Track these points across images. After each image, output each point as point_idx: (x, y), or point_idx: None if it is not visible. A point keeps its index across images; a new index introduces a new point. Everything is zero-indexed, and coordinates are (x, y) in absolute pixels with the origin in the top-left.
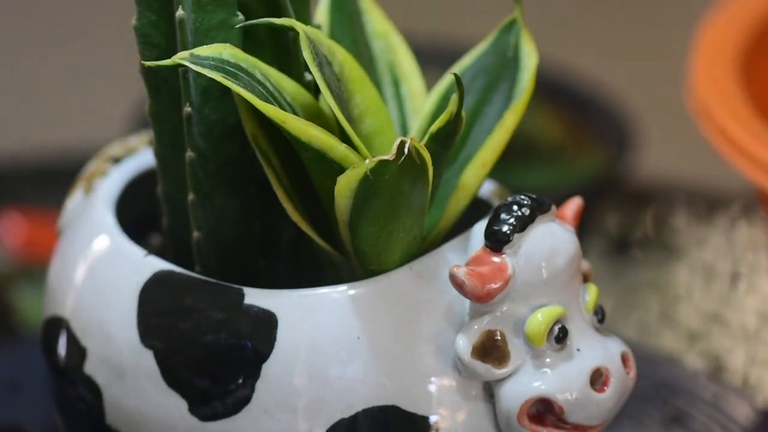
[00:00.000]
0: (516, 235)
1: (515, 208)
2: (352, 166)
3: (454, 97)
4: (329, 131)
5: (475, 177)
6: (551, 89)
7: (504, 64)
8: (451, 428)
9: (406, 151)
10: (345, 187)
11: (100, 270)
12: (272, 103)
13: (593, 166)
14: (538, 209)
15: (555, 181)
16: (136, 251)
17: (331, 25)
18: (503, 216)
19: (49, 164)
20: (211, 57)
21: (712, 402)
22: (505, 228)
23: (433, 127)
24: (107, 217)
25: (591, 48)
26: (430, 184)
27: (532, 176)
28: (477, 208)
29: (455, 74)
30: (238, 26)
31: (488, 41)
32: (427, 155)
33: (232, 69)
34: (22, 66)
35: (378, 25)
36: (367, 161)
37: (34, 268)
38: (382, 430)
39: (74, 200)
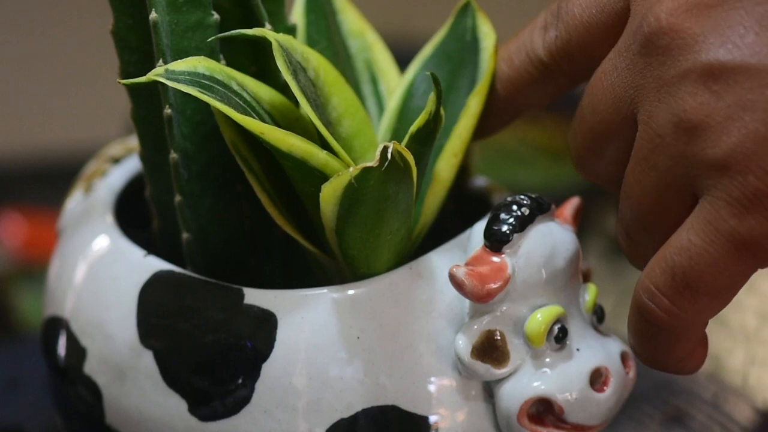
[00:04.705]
0: (515, 235)
1: (515, 207)
2: (336, 174)
3: (432, 96)
4: (308, 136)
5: (448, 167)
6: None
7: (464, 47)
8: (450, 428)
9: (389, 156)
10: (330, 194)
11: (100, 270)
12: (250, 114)
13: None
14: (538, 209)
15: (555, 181)
16: (135, 251)
17: (307, 25)
18: (503, 216)
19: (49, 164)
20: (186, 71)
21: (712, 402)
22: (505, 228)
23: (413, 128)
24: (107, 217)
25: None
26: (415, 185)
27: (532, 176)
28: (476, 208)
29: (432, 73)
30: (213, 36)
31: (446, 28)
32: (410, 157)
33: (207, 82)
34: (23, 66)
35: (353, 24)
36: (351, 169)
37: (34, 268)
38: (381, 430)
39: (74, 200)
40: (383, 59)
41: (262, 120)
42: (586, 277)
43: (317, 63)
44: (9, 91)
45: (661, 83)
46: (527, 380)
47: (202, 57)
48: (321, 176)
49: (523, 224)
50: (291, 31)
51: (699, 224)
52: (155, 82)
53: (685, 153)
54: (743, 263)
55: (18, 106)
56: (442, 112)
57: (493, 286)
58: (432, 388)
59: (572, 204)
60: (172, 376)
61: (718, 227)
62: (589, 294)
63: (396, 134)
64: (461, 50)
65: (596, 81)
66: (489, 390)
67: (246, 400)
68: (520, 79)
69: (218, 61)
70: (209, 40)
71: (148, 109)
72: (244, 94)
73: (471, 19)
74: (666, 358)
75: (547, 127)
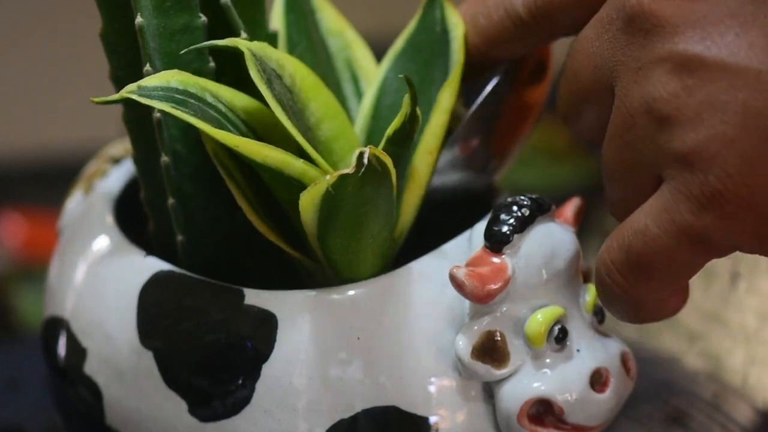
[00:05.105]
0: (516, 236)
1: (515, 208)
2: (313, 183)
3: (407, 98)
4: (288, 141)
5: (424, 165)
6: (551, 90)
7: (435, 39)
8: (451, 429)
9: (365, 161)
10: (308, 203)
11: (100, 270)
12: (225, 126)
13: (593, 166)
14: (538, 209)
15: (555, 181)
16: (136, 251)
17: (287, 27)
18: (503, 216)
19: (49, 164)
20: (159, 87)
21: (712, 402)
22: (505, 228)
23: (390, 130)
24: (107, 217)
25: None
26: (395, 187)
27: (532, 176)
28: (477, 208)
29: (406, 76)
30: (203, 37)
31: (414, 21)
32: (388, 161)
33: (180, 96)
34: (22, 66)
35: (332, 22)
36: (328, 177)
37: (34, 268)
38: (382, 431)
39: (74, 200)
40: (363, 57)
41: (239, 130)
42: (587, 278)
43: (293, 69)
44: (9, 91)
45: (639, 65)
46: (527, 381)
47: (176, 71)
48: (299, 185)
49: (523, 225)
50: (272, 37)
51: (657, 211)
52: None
53: (653, 139)
54: (696, 255)
55: (18, 106)
56: (418, 112)
57: (494, 286)
58: (432, 388)
59: (573, 204)
60: (172, 377)
61: (675, 219)
62: (590, 294)
63: (371, 135)
64: (432, 42)
65: (579, 45)
66: (489, 390)
67: (246, 400)
68: (497, 34)
69: (207, 63)
70: (182, 52)
71: (139, 112)
72: (219, 106)
73: (439, 11)
74: (635, 319)
75: (547, 127)
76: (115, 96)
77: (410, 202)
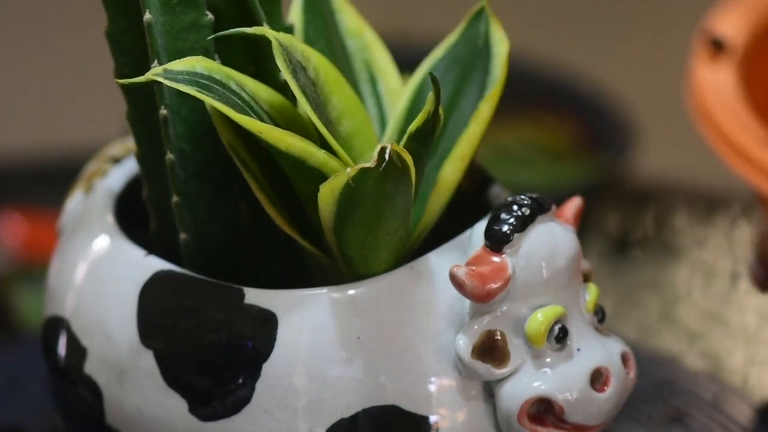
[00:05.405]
0: (516, 235)
1: (515, 207)
2: (334, 175)
3: (431, 96)
4: (308, 136)
5: (455, 171)
6: (552, 90)
7: (475, 53)
8: (451, 428)
9: (387, 157)
10: (328, 195)
11: (100, 270)
12: (248, 114)
13: (593, 166)
14: (538, 209)
15: (555, 181)
16: (136, 251)
17: (305, 25)
18: (503, 216)
19: (49, 164)
20: (184, 71)
21: (712, 402)
22: (505, 228)
23: (412, 127)
24: (107, 217)
25: (592, 49)
26: (413, 185)
27: (532, 176)
28: (477, 208)
29: (431, 73)
30: (210, 34)
31: (458, 32)
32: (408, 158)
33: (206, 82)
34: (23, 66)
35: (351, 23)
36: (348, 169)
37: (34, 268)
38: (382, 430)
39: (74, 200)
40: (382, 59)
41: (261, 119)
42: (587, 278)
43: (318, 62)
44: (9, 91)
45: None
46: (527, 380)
47: (201, 57)
48: (319, 176)
49: (523, 224)
50: (288, 31)
51: None
52: (152, 83)
53: None
54: None
55: (18, 106)
56: (440, 111)
57: (494, 286)
58: (432, 388)
59: (573, 204)
60: (172, 376)
61: None
62: (590, 294)
63: (402, 136)
64: (472, 55)
65: None
66: (489, 390)
67: (246, 399)
68: None
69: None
70: (208, 38)
71: (144, 110)
72: (243, 94)
73: (484, 25)
74: None
75: (547, 127)
76: (142, 78)
77: (435, 205)
